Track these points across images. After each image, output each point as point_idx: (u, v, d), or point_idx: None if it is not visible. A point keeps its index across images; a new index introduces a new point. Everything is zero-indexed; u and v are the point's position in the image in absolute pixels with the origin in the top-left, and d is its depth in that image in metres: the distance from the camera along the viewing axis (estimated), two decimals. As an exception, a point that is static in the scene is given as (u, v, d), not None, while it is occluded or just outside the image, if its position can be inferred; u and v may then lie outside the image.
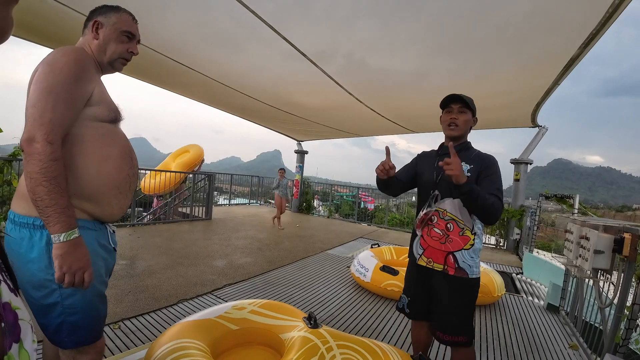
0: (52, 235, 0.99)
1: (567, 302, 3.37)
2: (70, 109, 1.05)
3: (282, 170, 7.62)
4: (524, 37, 3.05)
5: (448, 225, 1.69)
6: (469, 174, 1.63)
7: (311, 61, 4.08)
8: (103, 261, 1.21)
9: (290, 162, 11.14)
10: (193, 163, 8.72)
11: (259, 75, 4.92)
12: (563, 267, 3.22)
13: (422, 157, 1.94)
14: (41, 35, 4.03)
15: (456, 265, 1.66)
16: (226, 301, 3.05)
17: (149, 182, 8.23)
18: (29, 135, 0.98)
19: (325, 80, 4.63)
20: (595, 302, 2.58)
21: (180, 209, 8.53)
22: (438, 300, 1.74)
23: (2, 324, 0.35)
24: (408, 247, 4.68)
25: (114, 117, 1.21)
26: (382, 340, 2.55)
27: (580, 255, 2.41)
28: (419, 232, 1.79)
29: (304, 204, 10.68)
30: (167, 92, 6.64)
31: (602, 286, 2.53)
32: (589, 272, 2.37)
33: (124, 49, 1.27)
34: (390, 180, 1.75)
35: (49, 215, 0.98)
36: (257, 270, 4.06)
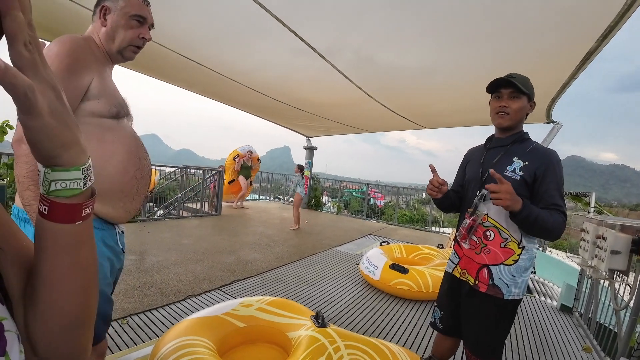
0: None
1: (581, 304, 3.27)
2: None
3: (301, 166, 7.48)
4: (539, 30, 2.94)
5: (487, 233, 1.43)
6: (521, 173, 1.36)
7: (321, 56, 4.02)
8: (108, 262, 1.15)
9: (299, 158, 11.18)
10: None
11: (267, 71, 4.89)
12: (577, 267, 3.12)
13: (470, 153, 1.69)
14: (56, 34, 4.06)
15: (490, 282, 1.40)
16: (234, 297, 3.05)
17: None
18: (18, 136, 0.94)
19: (335, 75, 4.57)
20: (611, 303, 2.50)
21: (189, 205, 8.57)
22: (466, 318, 1.53)
23: None
24: (418, 245, 4.61)
25: (116, 112, 1.12)
26: (390, 341, 2.51)
27: (596, 256, 2.32)
28: (466, 245, 1.51)
29: (313, 200, 10.65)
30: (178, 89, 6.68)
31: (617, 288, 2.44)
32: (604, 272, 2.28)
33: (134, 35, 1.16)
34: (447, 198, 1.57)
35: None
36: (265, 267, 4.05)
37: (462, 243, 1.52)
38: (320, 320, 1.98)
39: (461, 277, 1.54)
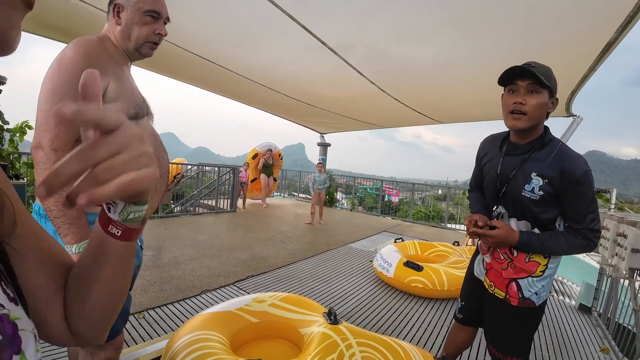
0: (64, 246, 0.96)
1: (600, 303, 3.16)
2: None
3: (320, 164, 7.49)
4: (557, 21, 2.84)
5: (512, 250, 1.35)
6: (540, 193, 1.21)
7: (333, 52, 4.00)
8: None
9: (314, 155, 11.11)
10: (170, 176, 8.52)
11: (281, 68, 4.89)
12: (597, 265, 3.01)
13: (486, 148, 1.47)
14: (70, 34, 4.18)
15: (520, 296, 1.33)
16: (248, 293, 3.08)
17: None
18: (36, 142, 0.95)
19: (348, 70, 4.53)
20: (630, 303, 2.40)
21: (205, 201, 8.70)
22: (494, 320, 1.46)
23: (0, 337, 0.34)
24: (433, 243, 4.54)
25: (135, 113, 1.12)
26: (404, 339, 2.48)
27: (616, 254, 2.23)
28: (487, 259, 1.46)
29: (327, 196, 10.65)
30: (194, 88, 6.79)
31: (638, 287, 2.35)
32: (625, 271, 2.19)
33: (149, 31, 1.13)
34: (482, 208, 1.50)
35: (59, 226, 0.96)
36: (279, 263, 4.08)
37: (484, 257, 1.46)
38: (332, 317, 1.98)
39: (488, 289, 1.45)
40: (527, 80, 1.18)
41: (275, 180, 10.05)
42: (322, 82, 5.34)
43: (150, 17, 1.13)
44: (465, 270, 3.30)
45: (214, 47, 4.25)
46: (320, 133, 10.73)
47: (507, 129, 1.35)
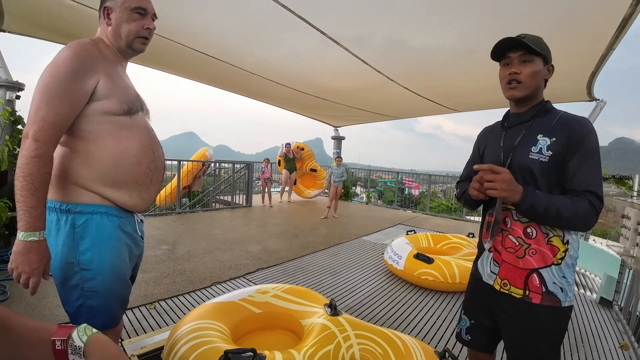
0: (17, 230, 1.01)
1: (622, 297, 2.99)
2: (65, 106, 1.04)
3: (339, 157, 7.45)
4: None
5: (528, 230, 1.16)
6: (549, 153, 1.11)
7: (346, 49, 3.97)
8: (126, 247, 1.23)
9: (331, 149, 11.06)
10: (195, 165, 8.39)
11: (294, 65, 4.92)
12: (619, 257, 2.85)
13: (485, 136, 1.41)
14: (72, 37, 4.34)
15: (544, 289, 1.12)
16: (257, 285, 3.12)
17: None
18: (25, 132, 1.02)
19: (362, 65, 4.48)
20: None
21: (221, 197, 8.86)
22: (514, 334, 1.21)
23: None
24: (447, 235, 4.43)
25: (128, 108, 1.17)
26: (409, 332, 2.44)
27: (638, 244, 2.09)
28: (487, 245, 1.26)
29: (343, 190, 10.60)
30: (212, 88, 6.90)
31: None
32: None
33: (138, 26, 1.21)
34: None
35: (18, 209, 1.00)
36: (289, 256, 4.10)
37: (484, 242, 1.26)
38: (332, 309, 1.97)
39: (501, 289, 1.21)
40: (518, 51, 1.17)
41: (314, 170, 9.53)
42: (335, 76, 5.31)
43: (137, 13, 1.21)
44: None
45: (229, 48, 4.37)
46: (334, 127, 10.67)
47: (502, 118, 1.35)
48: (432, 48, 4.03)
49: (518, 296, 1.17)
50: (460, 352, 2.22)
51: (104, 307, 1.16)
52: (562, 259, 1.13)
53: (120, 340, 2.05)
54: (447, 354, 1.69)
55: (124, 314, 2.25)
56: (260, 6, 3.13)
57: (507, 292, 1.20)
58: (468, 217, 8.44)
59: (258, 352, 1.48)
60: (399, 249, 3.60)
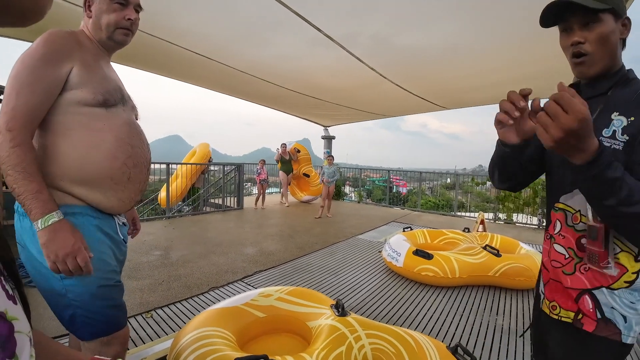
0: (33, 224, 0.94)
1: None
2: (35, 94, 0.97)
3: (331, 156, 7.38)
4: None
5: (583, 241, 0.89)
6: (624, 138, 0.81)
7: (337, 43, 3.93)
8: (110, 249, 1.15)
9: (320, 150, 11.00)
10: (202, 161, 8.52)
11: (282, 62, 4.85)
12: None
13: None
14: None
15: (599, 315, 0.86)
16: (256, 288, 3.05)
17: (164, 193, 8.17)
18: None
19: (352, 60, 4.46)
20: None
21: (212, 200, 8.72)
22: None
23: None
24: (443, 230, 4.45)
25: (103, 100, 1.09)
26: (415, 329, 2.42)
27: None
28: (611, 270, 0.88)
29: (335, 189, 10.60)
30: (199, 89, 6.81)
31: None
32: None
33: (119, 17, 1.14)
34: (522, 151, 0.90)
35: (23, 203, 0.94)
36: (287, 257, 4.05)
37: (606, 270, 0.84)
38: (340, 309, 1.93)
39: (551, 314, 0.97)
40: (577, 14, 0.86)
41: (307, 176, 9.17)
42: (325, 74, 5.27)
43: (118, 4, 1.15)
44: (477, 257, 3.25)
45: (215, 44, 4.24)
46: (324, 126, 10.64)
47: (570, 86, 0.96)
48: (419, 46, 4.05)
49: (569, 320, 0.92)
50: (474, 347, 2.21)
51: (97, 315, 1.09)
52: (630, 282, 0.83)
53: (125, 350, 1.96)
54: (459, 349, 1.67)
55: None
56: (251, 1, 3.07)
57: (557, 316, 0.95)
58: (459, 213, 8.55)
59: (270, 358, 1.43)
60: (398, 246, 3.58)
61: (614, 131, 0.83)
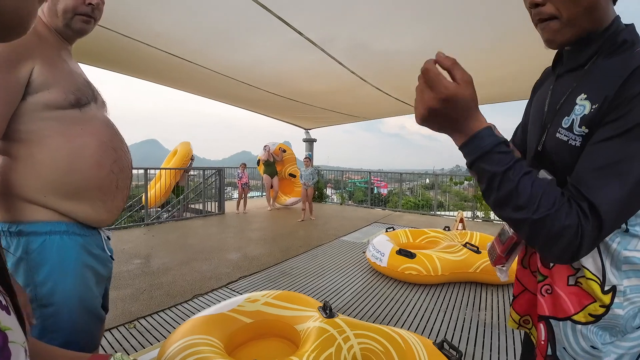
0: None
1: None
2: None
3: (307, 158, 7.29)
4: None
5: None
6: (582, 132, 0.61)
7: (315, 45, 3.96)
8: (93, 273, 1.02)
9: (300, 152, 10.98)
10: (183, 160, 8.42)
11: (262, 65, 4.84)
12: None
13: (539, 82, 0.89)
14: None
15: (549, 352, 0.69)
16: (241, 294, 3.02)
17: (151, 193, 7.93)
18: None
19: (330, 63, 4.50)
20: None
21: (192, 206, 8.55)
22: None
23: None
24: (424, 229, 4.54)
25: (76, 99, 0.95)
26: (402, 327, 2.47)
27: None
28: (502, 274, 0.83)
29: (316, 192, 10.61)
30: (176, 92, 6.73)
31: None
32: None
33: (78, 1, 0.98)
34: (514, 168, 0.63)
35: None
36: (271, 261, 4.02)
37: (497, 270, 0.83)
38: (327, 311, 1.94)
39: (521, 327, 0.85)
40: None
41: (293, 176, 8.77)
42: (305, 76, 5.30)
43: None
44: (458, 254, 3.34)
45: (192, 45, 4.17)
46: (305, 129, 10.67)
47: (554, 57, 0.79)
48: (394, 50, 4.16)
49: (534, 339, 0.78)
50: (459, 341, 2.27)
51: (77, 344, 0.98)
52: (596, 317, 0.62)
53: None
54: (445, 344, 1.72)
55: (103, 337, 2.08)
56: (228, 2, 3.05)
57: (529, 332, 0.82)
58: (439, 213, 8.74)
59: (260, 362, 1.42)
60: (381, 246, 3.63)
61: (572, 121, 0.62)
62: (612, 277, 0.61)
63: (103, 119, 1.05)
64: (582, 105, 0.61)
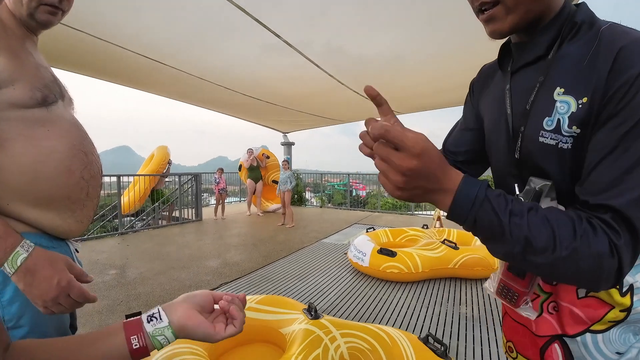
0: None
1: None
2: None
3: (285, 161, 7.13)
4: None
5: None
6: (573, 132, 0.53)
7: (292, 47, 3.97)
8: None
9: (279, 156, 10.89)
10: (160, 165, 8.28)
11: (238, 67, 4.79)
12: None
13: (482, 82, 0.82)
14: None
15: None
16: (223, 301, 2.96)
17: (126, 198, 7.78)
18: None
19: (307, 65, 4.52)
20: None
21: (165, 213, 8.29)
22: None
23: None
24: (404, 228, 4.61)
25: (43, 97, 0.84)
26: (386, 324, 2.49)
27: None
28: (527, 312, 0.66)
29: (296, 196, 10.57)
30: (149, 96, 6.50)
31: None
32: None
33: None
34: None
35: None
36: (253, 266, 3.96)
37: (523, 310, 0.66)
38: (313, 312, 1.93)
39: (508, 356, 0.77)
40: None
41: (277, 183, 8.38)
42: (282, 79, 5.29)
43: None
44: (437, 251, 3.42)
45: (165, 47, 4.07)
46: (282, 132, 10.63)
47: (499, 50, 0.74)
48: (369, 54, 4.25)
49: None
50: (442, 335, 2.32)
51: None
52: (615, 322, 0.57)
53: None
54: (430, 338, 1.75)
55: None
56: (203, 3, 3.01)
57: None
58: (417, 213, 8.93)
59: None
60: (363, 247, 3.67)
61: (559, 121, 0.55)
62: (627, 276, 0.55)
63: (71, 119, 0.95)
64: (565, 102, 0.54)
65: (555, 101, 0.55)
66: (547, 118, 0.56)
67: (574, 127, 0.53)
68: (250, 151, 8.07)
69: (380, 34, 3.69)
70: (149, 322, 0.51)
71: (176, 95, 6.69)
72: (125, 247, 4.94)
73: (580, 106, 0.52)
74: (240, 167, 8.42)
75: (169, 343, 0.52)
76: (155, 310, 0.54)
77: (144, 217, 7.99)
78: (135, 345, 0.49)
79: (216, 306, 0.61)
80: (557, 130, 0.55)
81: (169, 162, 8.32)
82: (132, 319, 0.53)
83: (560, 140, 0.55)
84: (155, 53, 4.15)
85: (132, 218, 8.02)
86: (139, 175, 7.80)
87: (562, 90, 0.55)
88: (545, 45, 0.59)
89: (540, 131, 0.57)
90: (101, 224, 7.59)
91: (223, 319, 0.60)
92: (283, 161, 7.16)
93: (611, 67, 0.48)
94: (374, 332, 1.81)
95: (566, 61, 0.56)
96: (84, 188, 0.93)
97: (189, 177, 7.91)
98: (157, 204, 7.82)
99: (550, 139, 0.56)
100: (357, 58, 4.31)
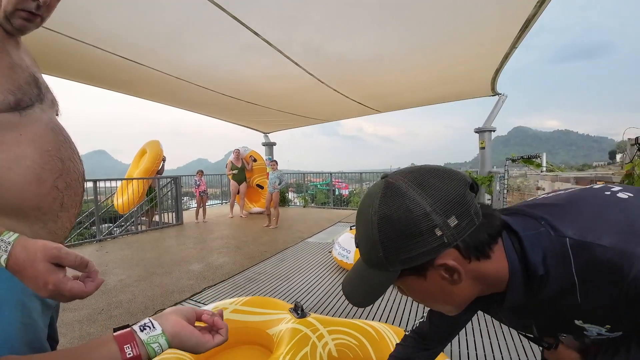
0: None
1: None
2: None
3: (274, 162, 6.93)
4: (478, 3, 3.07)
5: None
6: (617, 334, 0.56)
7: (274, 47, 3.95)
8: (35, 301, 0.81)
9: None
10: (155, 162, 8.10)
11: (217, 68, 4.72)
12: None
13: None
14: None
15: None
16: (207, 304, 2.91)
17: (121, 199, 7.61)
18: None
19: (287, 64, 4.51)
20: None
21: (144, 218, 8.05)
22: None
23: None
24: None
25: (16, 100, 0.79)
26: (373, 319, 2.51)
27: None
28: None
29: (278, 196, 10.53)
30: (125, 99, 6.30)
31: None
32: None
33: None
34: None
35: None
36: (237, 269, 3.92)
37: None
38: (299, 311, 1.93)
39: None
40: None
41: (261, 187, 8.62)
42: (262, 78, 5.25)
43: None
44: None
45: (141, 46, 3.96)
46: (263, 133, 10.55)
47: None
48: (348, 52, 4.29)
49: None
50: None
51: None
52: None
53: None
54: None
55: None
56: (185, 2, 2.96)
57: None
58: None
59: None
60: (347, 244, 3.68)
61: (598, 332, 0.57)
62: None
63: (48, 123, 0.87)
64: (594, 328, 0.56)
65: (582, 327, 0.57)
66: (585, 331, 0.58)
67: (616, 333, 0.55)
68: (236, 151, 7.97)
69: (359, 31, 3.73)
70: (142, 330, 0.52)
71: (153, 96, 6.51)
72: (104, 254, 4.78)
73: (608, 329, 0.55)
74: (227, 166, 8.26)
75: (163, 351, 0.52)
76: (146, 320, 0.55)
77: (122, 224, 7.75)
78: (129, 354, 0.48)
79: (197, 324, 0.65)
80: (601, 334, 0.58)
81: (164, 159, 8.02)
82: (122, 330, 0.52)
83: (610, 335, 0.57)
84: (129, 52, 4.02)
85: (111, 224, 7.77)
86: (118, 179, 7.53)
87: (581, 321, 0.56)
88: (519, 299, 0.58)
89: (583, 334, 0.59)
90: (78, 231, 7.31)
91: (207, 332, 0.64)
92: (272, 162, 7.00)
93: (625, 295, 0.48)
94: (361, 327, 1.82)
95: (554, 304, 0.56)
96: (57, 198, 0.84)
97: (169, 180, 7.73)
98: (135, 208, 7.60)
99: (596, 335, 0.58)
100: (337, 55, 4.33)
